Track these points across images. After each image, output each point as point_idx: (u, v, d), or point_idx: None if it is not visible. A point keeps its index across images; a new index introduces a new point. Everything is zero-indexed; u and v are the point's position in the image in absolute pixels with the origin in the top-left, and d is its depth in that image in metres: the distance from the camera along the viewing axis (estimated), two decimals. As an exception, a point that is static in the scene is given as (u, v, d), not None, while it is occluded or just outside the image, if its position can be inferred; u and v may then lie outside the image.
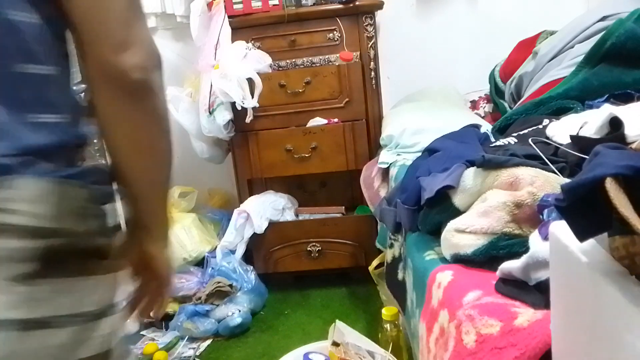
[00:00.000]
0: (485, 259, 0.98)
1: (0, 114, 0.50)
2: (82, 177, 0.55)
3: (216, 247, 2.33)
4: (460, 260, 1.02)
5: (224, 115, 2.19)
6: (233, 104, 2.16)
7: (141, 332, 2.26)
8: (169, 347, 2.06)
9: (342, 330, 1.43)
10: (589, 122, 1.08)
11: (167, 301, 0.78)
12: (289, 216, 2.39)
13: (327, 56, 2.33)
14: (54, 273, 0.49)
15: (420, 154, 1.55)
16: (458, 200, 1.10)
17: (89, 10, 0.52)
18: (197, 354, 2.04)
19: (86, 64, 0.55)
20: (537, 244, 0.83)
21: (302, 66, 2.33)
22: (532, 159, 1.08)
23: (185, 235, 2.35)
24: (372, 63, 2.34)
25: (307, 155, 2.25)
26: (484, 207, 1.02)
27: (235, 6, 2.27)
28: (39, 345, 0.47)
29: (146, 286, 0.75)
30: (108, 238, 0.57)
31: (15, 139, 0.50)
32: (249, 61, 2.20)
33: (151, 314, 0.77)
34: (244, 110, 2.17)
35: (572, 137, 1.08)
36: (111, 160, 0.62)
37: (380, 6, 2.34)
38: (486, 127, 1.73)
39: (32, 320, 0.46)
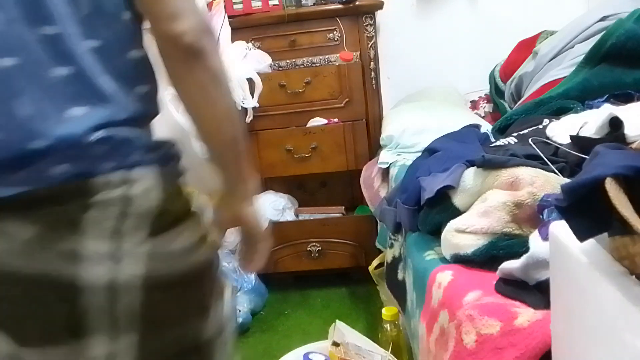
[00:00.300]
0: (485, 259, 0.98)
1: (113, 88, 0.68)
2: (173, 160, 0.75)
3: (216, 247, 2.33)
4: (460, 260, 1.02)
5: (224, 115, 2.19)
6: (233, 104, 2.16)
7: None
8: (169, 347, 2.06)
9: (342, 330, 1.43)
10: (589, 122, 1.08)
11: (263, 256, 0.93)
12: (289, 216, 2.39)
13: (327, 56, 2.33)
14: (164, 230, 0.70)
15: (420, 154, 1.55)
16: (458, 200, 1.10)
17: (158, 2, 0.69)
18: (197, 354, 2.04)
19: (154, 34, 0.71)
20: (537, 244, 0.83)
21: (302, 66, 2.33)
22: (532, 159, 1.08)
23: (185, 235, 2.34)
24: (372, 63, 2.34)
25: (307, 155, 2.25)
26: (484, 207, 1.02)
27: (235, 6, 2.27)
28: (170, 265, 0.70)
29: (242, 242, 0.92)
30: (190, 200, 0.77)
31: (126, 107, 0.69)
32: (249, 61, 2.20)
33: (249, 268, 0.94)
34: (244, 110, 2.17)
35: (572, 137, 1.08)
36: (194, 121, 0.77)
37: (380, 6, 2.34)
38: (486, 127, 1.73)
39: (156, 255, 0.69)
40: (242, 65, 2.16)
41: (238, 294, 2.15)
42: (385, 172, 1.95)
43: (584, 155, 0.99)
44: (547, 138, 1.19)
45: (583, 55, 1.65)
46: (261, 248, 0.92)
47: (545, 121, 1.33)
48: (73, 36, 0.66)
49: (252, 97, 2.17)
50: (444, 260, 1.08)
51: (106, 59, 0.68)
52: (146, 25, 0.72)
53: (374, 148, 2.28)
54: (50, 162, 0.66)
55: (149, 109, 0.74)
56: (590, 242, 0.53)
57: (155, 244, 0.70)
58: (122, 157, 0.69)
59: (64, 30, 0.66)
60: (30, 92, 0.65)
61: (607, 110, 1.05)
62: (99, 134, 0.67)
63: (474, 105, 2.48)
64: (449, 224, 1.05)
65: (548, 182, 0.99)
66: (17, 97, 0.65)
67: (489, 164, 1.06)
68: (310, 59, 2.33)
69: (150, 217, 0.70)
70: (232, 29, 2.23)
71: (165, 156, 0.74)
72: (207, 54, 0.71)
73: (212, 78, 0.74)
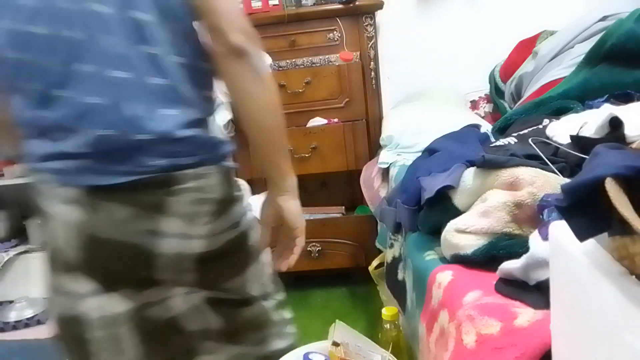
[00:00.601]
0: (485, 259, 0.98)
1: (192, 94, 0.89)
2: (227, 156, 0.97)
3: (216, 247, 2.33)
4: (460, 260, 1.02)
5: (224, 115, 2.19)
6: (233, 104, 2.16)
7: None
8: (169, 347, 2.06)
9: (342, 330, 1.43)
10: (589, 122, 1.08)
11: (298, 252, 1.06)
12: (289, 216, 2.39)
13: (327, 56, 2.33)
14: (222, 214, 0.93)
15: (420, 154, 1.55)
16: (458, 200, 1.10)
17: (212, 9, 0.86)
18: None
19: (211, 40, 0.88)
20: (537, 244, 0.83)
21: (302, 66, 2.33)
22: (532, 159, 1.08)
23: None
24: (372, 63, 2.34)
25: (307, 155, 2.25)
26: (484, 207, 1.02)
27: (235, 6, 2.27)
28: (221, 239, 0.94)
29: (278, 236, 1.06)
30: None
31: (200, 109, 0.91)
32: (249, 61, 2.20)
33: (282, 265, 1.06)
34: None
35: (572, 137, 1.08)
36: (241, 115, 0.94)
37: (380, 6, 2.34)
38: (486, 127, 1.73)
39: (214, 233, 0.93)
40: (242, 65, 2.16)
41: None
42: (385, 172, 1.95)
43: (584, 155, 0.99)
44: (547, 138, 1.19)
45: (583, 55, 1.65)
46: (297, 245, 1.06)
47: (545, 121, 1.33)
48: (165, 54, 0.86)
49: (252, 97, 2.17)
50: (444, 260, 1.08)
51: (187, 71, 0.88)
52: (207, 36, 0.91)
53: (374, 148, 2.27)
54: (147, 155, 0.86)
55: (211, 109, 0.96)
56: (590, 242, 0.53)
57: (214, 226, 0.92)
58: (197, 154, 0.90)
59: (159, 50, 0.85)
60: (135, 97, 0.85)
61: (607, 110, 1.05)
62: (184, 132, 0.87)
63: (474, 105, 2.48)
64: (449, 224, 1.05)
65: (548, 182, 0.99)
66: (126, 101, 0.84)
67: (489, 164, 1.06)
68: (310, 59, 2.33)
69: (214, 205, 0.92)
70: (232, 29, 2.23)
71: (223, 153, 0.95)
72: (250, 55, 0.88)
73: (254, 75, 0.90)
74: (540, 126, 1.31)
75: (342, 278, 2.38)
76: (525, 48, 2.15)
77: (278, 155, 0.99)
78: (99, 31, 0.83)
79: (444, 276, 1.00)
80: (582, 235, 0.52)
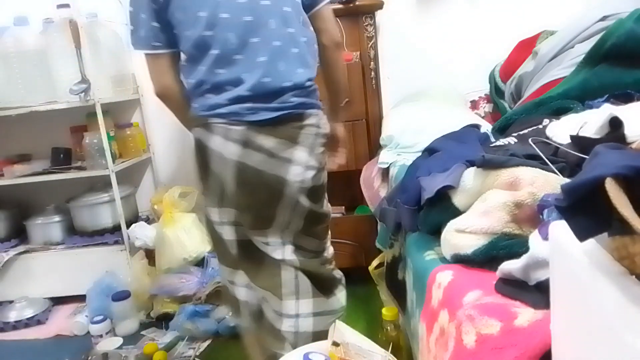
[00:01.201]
0: (485, 259, 0.98)
1: (311, 60, 1.36)
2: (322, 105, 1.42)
3: (216, 247, 2.33)
4: (460, 260, 1.02)
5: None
6: (233, 104, 2.16)
7: (141, 332, 2.26)
8: (169, 347, 2.06)
9: (342, 330, 1.43)
10: (589, 122, 1.08)
11: (344, 157, 1.65)
12: (289, 216, 2.39)
13: (327, 56, 2.32)
14: (326, 147, 1.42)
15: (420, 154, 1.55)
16: (458, 200, 1.10)
17: (325, 19, 1.43)
18: (197, 354, 2.04)
19: (321, 37, 1.42)
20: (537, 244, 0.83)
21: (302, 66, 2.33)
22: (532, 159, 1.07)
23: (185, 236, 2.35)
24: (372, 63, 2.34)
25: (307, 155, 2.25)
26: (484, 207, 1.02)
27: (235, 6, 2.27)
28: (322, 177, 1.43)
29: (331, 147, 1.54)
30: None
31: (314, 71, 1.37)
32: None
33: (334, 164, 1.60)
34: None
35: (572, 137, 1.08)
36: (330, 79, 1.48)
37: (380, 6, 2.34)
38: (486, 127, 1.73)
39: (321, 166, 1.40)
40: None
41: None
42: (385, 172, 1.95)
43: (584, 155, 0.99)
44: (547, 138, 1.19)
45: (583, 55, 1.64)
46: (342, 152, 1.62)
47: (545, 121, 1.33)
48: (298, 34, 1.33)
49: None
50: (444, 260, 1.08)
51: (308, 46, 1.35)
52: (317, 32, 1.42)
53: (374, 148, 2.27)
54: (290, 95, 1.29)
55: (315, 74, 1.38)
56: (590, 242, 0.53)
57: (322, 158, 1.38)
58: (314, 100, 1.36)
59: (295, 30, 1.32)
60: (283, 59, 1.30)
61: (607, 110, 1.05)
62: (309, 83, 1.34)
63: (474, 105, 2.48)
64: (449, 224, 1.05)
65: (548, 182, 0.99)
66: (279, 61, 1.29)
67: (489, 164, 1.06)
68: (310, 59, 2.33)
69: (324, 138, 1.38)
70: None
71: (320, 103, 1.39)
72: (342, 47, 1.44)
73: (342, 58, 1.50)
74: (540, 126, 1.31)
75: (342, 278, 2.37)
76: (525, 48, 2.15)
77: (343, 100, 1.56)
78: (265, 17, 1.28)
79: (444, 276, 1.00)
80: (582, 235, 0.52)
